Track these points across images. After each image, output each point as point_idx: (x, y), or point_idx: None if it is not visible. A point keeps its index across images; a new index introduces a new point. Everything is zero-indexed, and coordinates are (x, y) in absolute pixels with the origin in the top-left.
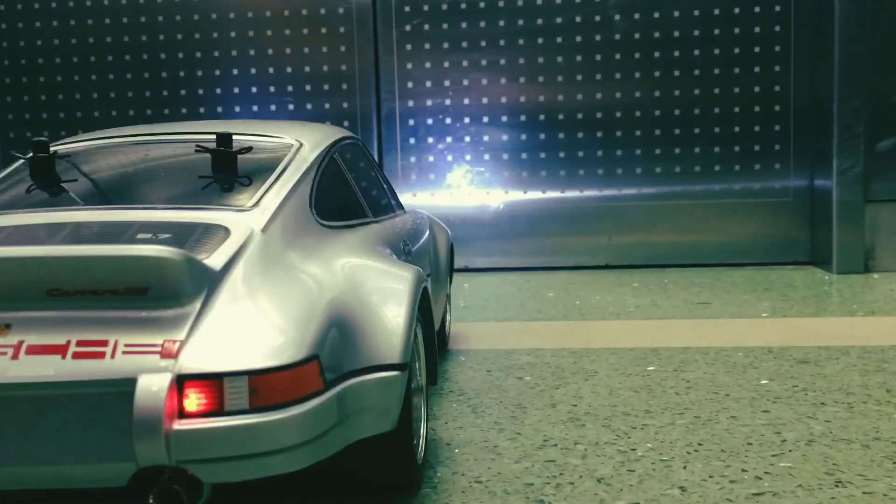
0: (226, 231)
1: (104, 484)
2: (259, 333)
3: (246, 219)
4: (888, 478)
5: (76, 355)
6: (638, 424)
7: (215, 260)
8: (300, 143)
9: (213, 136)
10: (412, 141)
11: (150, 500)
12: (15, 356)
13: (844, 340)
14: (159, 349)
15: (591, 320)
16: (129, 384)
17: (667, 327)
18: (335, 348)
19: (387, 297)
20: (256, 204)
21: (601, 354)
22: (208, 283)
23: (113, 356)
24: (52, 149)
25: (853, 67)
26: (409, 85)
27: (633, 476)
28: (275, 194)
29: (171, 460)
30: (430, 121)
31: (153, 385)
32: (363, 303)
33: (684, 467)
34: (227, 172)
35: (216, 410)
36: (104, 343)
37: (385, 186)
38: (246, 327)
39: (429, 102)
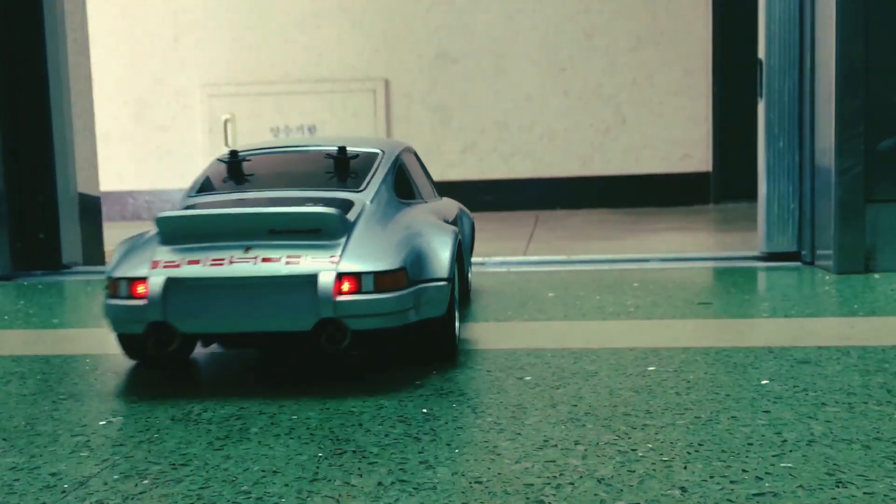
0: (351, 202)
1: (301, 328)
2: (376, 253)
3: (360, 196)
4: (889, 478)
5: (287, 262)
6: (638, 425)
7: (350, 216)
8: (382, 152)
9: (336, 148)
10: None
11: (323, 339)
12: (255, 263)
13: (845, 340)
14: (328, 260)
15: (591, 320)
16: (314, 277)
17: (667, 327)
18: (413, 266)
19: (439, 241)
20: (365, 188)
21: (601, 355)
22: (348, 228)
23: (305, 263)
24: (239, 154)
25: (852, 67)
26: None
27: (633, 476)
28: (373, 182)
29: (336, 314)
30: None
31: (327, 277)
32: (426, 242)
33: (685, 467)
34: (346, 170)
35: (357, 290)
36: (300, 257)
37: (429, 181)
38: (370, 250)
39: None
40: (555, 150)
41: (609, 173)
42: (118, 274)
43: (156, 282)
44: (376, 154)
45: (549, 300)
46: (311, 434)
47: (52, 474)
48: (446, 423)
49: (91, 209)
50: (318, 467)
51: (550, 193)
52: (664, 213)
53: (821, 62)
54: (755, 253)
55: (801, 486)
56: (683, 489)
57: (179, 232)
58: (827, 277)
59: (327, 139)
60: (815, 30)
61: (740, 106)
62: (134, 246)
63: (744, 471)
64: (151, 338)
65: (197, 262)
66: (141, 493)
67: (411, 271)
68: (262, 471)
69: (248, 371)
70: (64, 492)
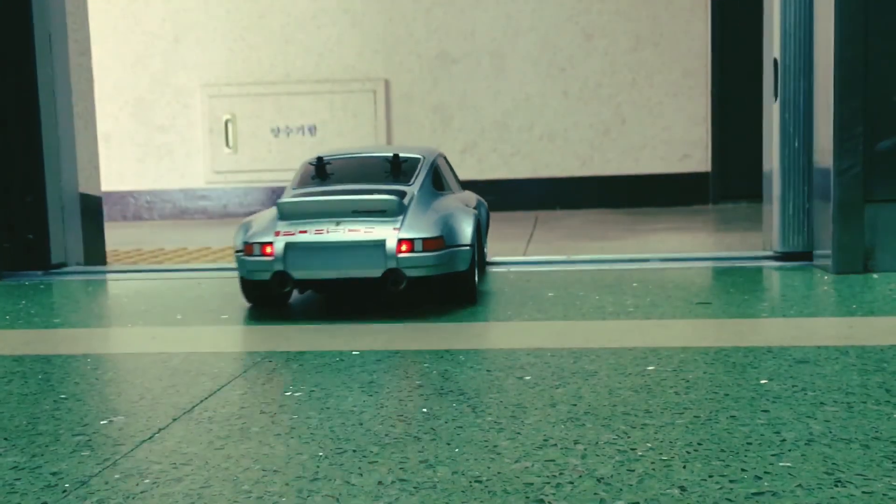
0: (404, 192)
1: (374, 275)
2: (423, 226)
3: (410, 188)
4: (888, 477)
5: (365, 232)
6: (638, 424)
7: (405, 201)
8: (423, 157)
9: (391, 154)
10: None
11: (389, 283)
12: (344, 232)
13: (844, 340)
14: (392, 230)
15: (591, 320)
16: (383, 241)
17: (666, 327)
18: (447, 235)
19: (464, 219)
20: (413, 182)
21: (601, 354)
22: (404, 209)
23: (376, 233)
24: (323, 158)
25: (851, 67)
26: None
27: (632, 475)
28: (418, 178)
29: (397, 266)
30: None
31: (391, 241)
32: (456, 220)
33: (684, 467)
34: (399, 170)
35: (411, 250)
36: (373, 228)
37: (455, 177)
38: (419, 224)
39: None
40: (554, 151)
41: (608, 173)
42: (252, 240)
43: (279, 245)
44: (419, 158)
45: (549, 300)
46: (311, 433)
47: (53, 473)
48: (446, 422)
49: (92, 209)
50: (318, 466)
51: (550, 193)
52: (663, 214)
53: (820, 63)
54: (769, 252)
55: (799, 485)
56: (683, 488)
57: (292, 212)
58: (826, 277)
59: (382, 148)
60: (814, 30)
61: (740, 106)
62: (258, 223)
63: (743, 470)
64: (275, 282)
65: (305, 231)
66: (142, 492)
67: (446, 239)
68: (263, 470)
69: (249, 371)
70: (65, 491)
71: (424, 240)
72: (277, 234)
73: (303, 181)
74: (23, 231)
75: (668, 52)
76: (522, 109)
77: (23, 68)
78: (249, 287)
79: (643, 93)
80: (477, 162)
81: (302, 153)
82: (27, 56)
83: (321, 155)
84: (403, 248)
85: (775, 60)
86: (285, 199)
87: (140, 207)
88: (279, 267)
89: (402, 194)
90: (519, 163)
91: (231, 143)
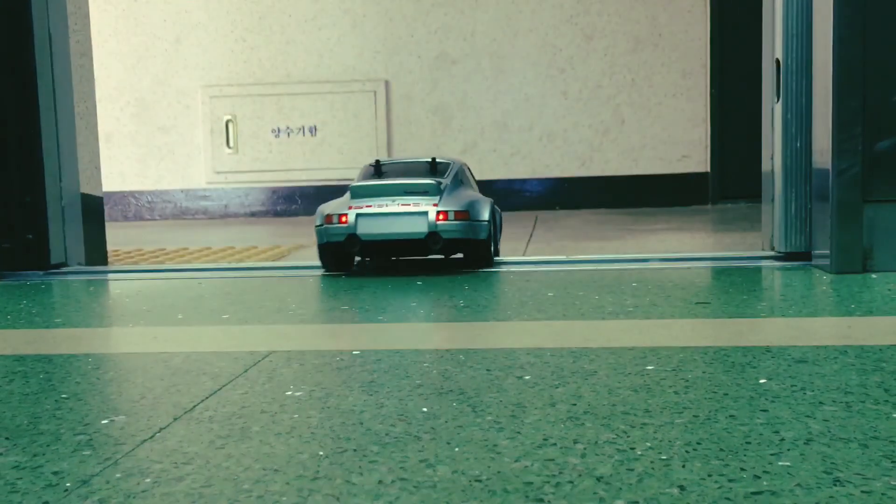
0: (441, 182)
1: (419, 236)
2: (455, 203)
3: (444, 179)
4: (886, 476)
5: (413, 206)
6: (637, 423)
7: (441, 186)
8: (453, 162)
9: (430, 159)
10: None
11: (429, 242)
12: (399, 206)
13: (842, 340)
14: (432, 205)
15: (590, 320)
16: (426, 212)
17: (666, 327)
18: (471, 211)
19: (483, 203)
20: (446, 177)
21: (600, 354)
22: (441, 191)
23: (422, 206)
24: (380, 161)
25: (850, 68)
26: None
27: (632, 475)
28: (449, 174)
29: (436, 230)
30: None
31: (432, 213)
32: (477, 202)
33: (683, 466)
34: (436, 169)
35: (446, 219)
36: (419, 203)
37: (474, 182)
38: (451, 202)
39: None
40: (554, 151)
41: (608, 174)
42: (332, 212)
43: (351, 215)
44: (449, 163)
45: (549, 300)
46: (311, 433)
47: (55, 473)
48: (446, 421)
49: (93, 209)
50: (318, 466)
51: (550, 194)
52: (663, 214)
53: (818, 63)
54: (768, 252)
55: (798, 484)
56: (682, 487)
57: (361, 192)
58: (824, 277)
59: (422, 157)
60: (812, 30)
61: (739, 107)
62: (333, 204)
63: (742, 469)
64: (348, 243)
65: (371, 206)
66: (143, 491)
67: (470, 214)
68: (264, 469)
69: (250, 370)
70: (66, 490)
71: (455, 212)
72: (350, 207)
73: (365, 176)
74: (22, 231)
75: (667, 52)
76: (522, 110)
77: (22, 68)
78: (327, 250)
79: (642, 93)
80: (477, 162)
81: (303, 153)
82: (27, 56)
83: (378, 159)
84: (441, 217)
85: (777, 61)
86: (357, 183)
87: (141, 207)
88: (352, 231)
89: (439, 183)
90: (519, 163)
91: (232, 143)
